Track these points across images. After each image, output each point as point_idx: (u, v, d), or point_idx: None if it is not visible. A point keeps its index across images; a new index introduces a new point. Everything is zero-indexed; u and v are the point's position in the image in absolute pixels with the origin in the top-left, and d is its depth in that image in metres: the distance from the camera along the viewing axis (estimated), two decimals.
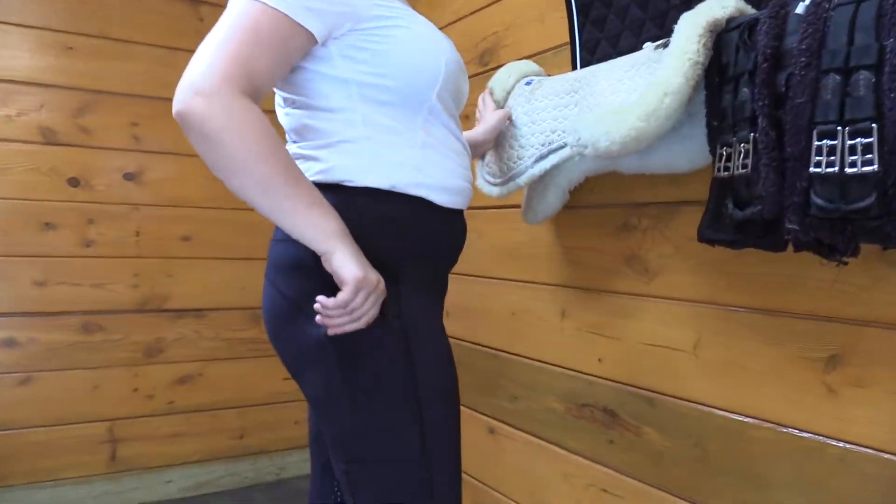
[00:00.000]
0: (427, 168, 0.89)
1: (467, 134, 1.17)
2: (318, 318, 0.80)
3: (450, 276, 1.05)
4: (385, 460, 0.86)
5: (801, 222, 0.82)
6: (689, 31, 0.94)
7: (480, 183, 1.35)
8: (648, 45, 1.08)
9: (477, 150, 1.29)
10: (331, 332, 0.81)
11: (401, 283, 0.87)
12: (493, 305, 1.61)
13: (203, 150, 0.76)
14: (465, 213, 1.01)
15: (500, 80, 1.35)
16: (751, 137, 0.87)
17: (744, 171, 0.88)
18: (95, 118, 1.98)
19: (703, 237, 1.00)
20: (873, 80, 0.75)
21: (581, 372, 1.36)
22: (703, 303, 1.13)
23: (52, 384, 1.93)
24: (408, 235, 0.89)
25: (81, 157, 1.97)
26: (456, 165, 0.94)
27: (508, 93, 1.34)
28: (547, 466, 1.45)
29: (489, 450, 1.64)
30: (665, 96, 0.94)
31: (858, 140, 0.75)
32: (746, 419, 1.05)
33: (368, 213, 0.86)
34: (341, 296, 0.78)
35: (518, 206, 1.50)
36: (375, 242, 0.84)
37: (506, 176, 1.29)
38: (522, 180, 1.26)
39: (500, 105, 1.34)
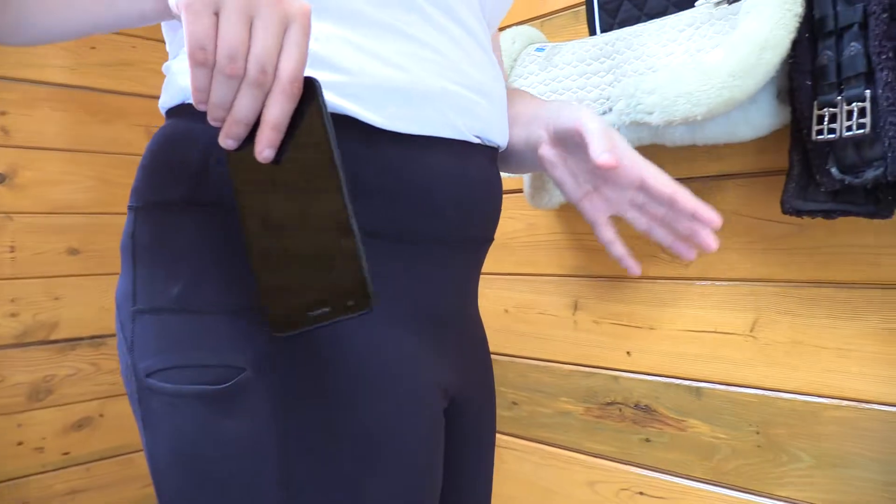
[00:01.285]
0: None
1: None
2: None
3: None
4: None
5: None
6: None
7: None
8: (704, 2, 0.99)
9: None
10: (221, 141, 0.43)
11: None
12: (483, 304, 1.46)
13: None
14: None
15: (503, 47, 1.21)
16: (867, 95, 0.81)
17: (859, 131, 0.81)
18: None
19: (789, 208, 0.92)
20: None
21: (603, 368, 1.26)
22: (759, 281, 1.06)
23: None
24: None
25: None
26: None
27: (515, 60, 1.20)
28: (564, 475, 1.32)
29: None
30: (763, 51, 0.85)
31: None
32: (820, 399, 1.00)
33: None
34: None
35: (510, 192, 1.36)
36: None
37: None
38: None
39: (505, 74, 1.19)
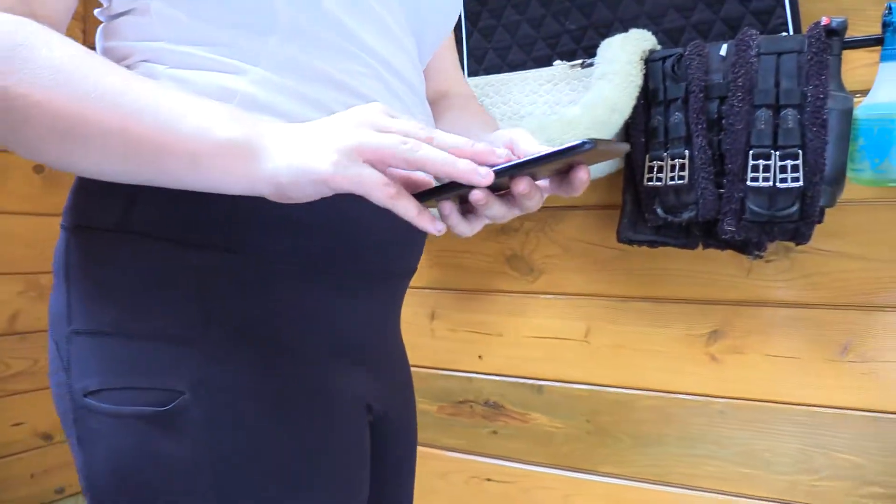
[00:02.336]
0: None
1: None
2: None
3: None
4: None
5: (736, 225, 1.01)
6: (629, 57, 1.06)
7: None
8: (561, 63, 1.18)
9: None
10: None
11: None
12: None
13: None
14: None
15: None
16: (686, 154, 1.04)
17: (680, 181, 1.05)
18: None
19: (623, 238, 1.14)
20: (798, 116, 0.97)
21: (457, 370, 1.41)
22: (591, 296, 1.28)
23: None
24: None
25: None
26: None
27: None
28: (419, 469, 1.45)
29: None
30: (613, 112, 1.05)
31: (788, 161, 0.97)
32: (637, 391, 1.24)
33: None
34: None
35: None
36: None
37: None
38: None
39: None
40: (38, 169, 1.91)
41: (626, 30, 1.13)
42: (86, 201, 0.55)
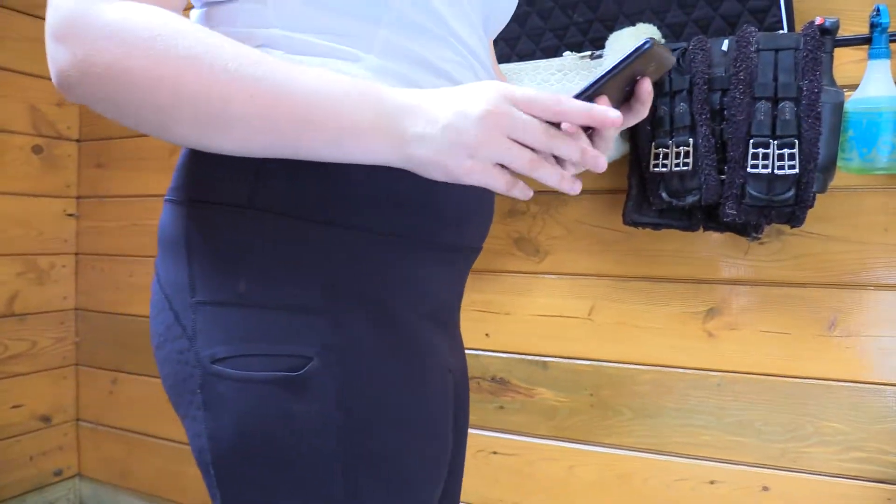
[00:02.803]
0: None
1: None
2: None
3: None
4: None
5: (737, 208, 1.09)
6: None
7: None
8: (571, 54, 1.24)
9: None
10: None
11: None
12: None
13: (117, 112, 0.49)
14: None
15: None
16: (690, 142, 1.12)
17: (684, 167, 1.12)
18: None
19: (629, 220, 1.22)
20: (795, 108, 1.05)
21: (465, 348, 1.46)
22: (595, 276, 1.35)
23: None
24: None
25: None
26: None
27: None
28: None
29: None
30: None
31: (785, 150, 1.05)
32: (637, 366, 1.32)
33: None
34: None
35: None
36: None
37: None
38: None
39: None
40: (37, 149, 1.92)
41: (631, 23, 1.20)
42: (208, 177, 0.58)
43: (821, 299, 1.19)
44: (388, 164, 0.52)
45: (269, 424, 0.54)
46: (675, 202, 1.15)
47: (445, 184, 0.54)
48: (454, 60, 0.61)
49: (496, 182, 0.52)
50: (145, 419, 1.90)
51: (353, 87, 0.50)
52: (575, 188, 0.54)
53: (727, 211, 1.10)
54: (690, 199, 1.13)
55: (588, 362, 1.36)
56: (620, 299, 1.33)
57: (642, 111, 0.58)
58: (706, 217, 1.18)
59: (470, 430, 1.45)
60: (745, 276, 1.24)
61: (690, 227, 1.19)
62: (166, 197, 0.61)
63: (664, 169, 1.14)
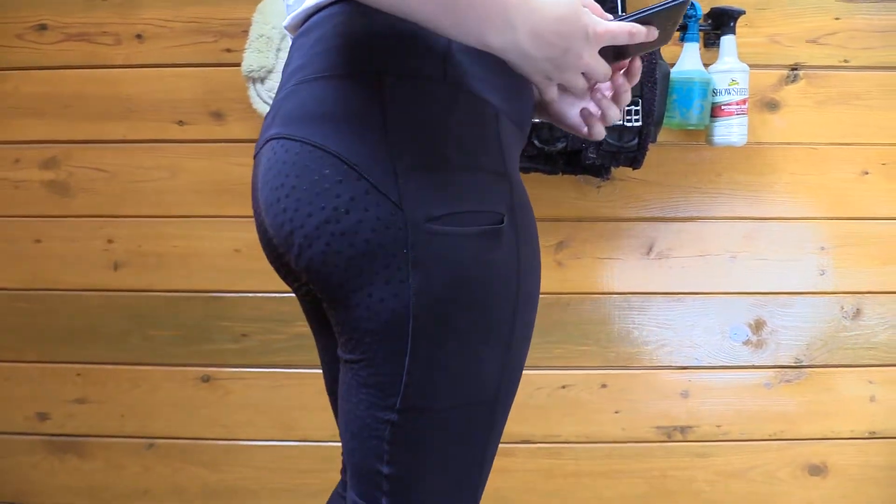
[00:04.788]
0: None
1: None
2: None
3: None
4: (457, 405, 0.65)
5: (597, 153, 1.34)
6: None
7: (263, 108, 1.33)
8: None
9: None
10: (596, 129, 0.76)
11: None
12: (207, 246, 1.51)
13: None
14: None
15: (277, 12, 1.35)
16: None
17: None
18: None
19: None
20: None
21: None
22: None
23: None
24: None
25: None
26: None
27: (281, 41, 1.35)
28: (300, 391, 1.53)
29: (208, 399, 1.53)
30: None
31: (632, 107, 1.33)
32: None
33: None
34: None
35: (238, 141, 1.48)
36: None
37: None
38: None
39: (271, 42, 1.34)
40: None
41: None
42: (401, 53, 0.62)
43: (641, 230, 1.51)
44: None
45: (478, 271, 0.61)
46: (546, 148, 1.36)
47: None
48: None
49: (576, 82, 0.67)
50: None
51: None
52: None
53: (589, 155, 1.34)
54: (559, 146, 1.35)
55: None
56: None
57: (628, 84, 0.75)
58: (565, 162, 1.41)
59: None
60: (586, 215, 1.51)
61: (553, 171, 1.42)
62: (321, 74, 0.63)
63: (536, 119, 1.35)
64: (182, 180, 1.50)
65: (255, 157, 0.72)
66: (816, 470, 1.54)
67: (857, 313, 1.51)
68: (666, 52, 1.41)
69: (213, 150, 1.50)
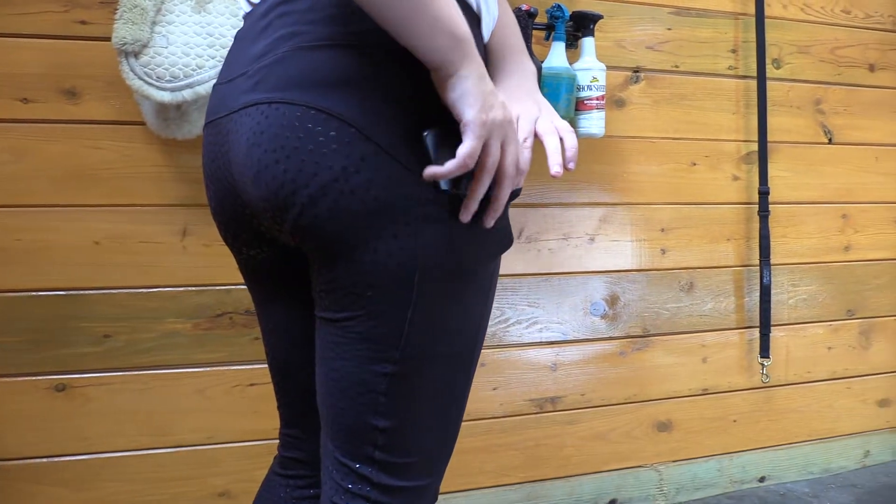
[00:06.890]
0: None
1: None
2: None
3: None
4: (450, 353, 0.68)
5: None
6: None
7: (139, 84, 1.22)
8: None
9: None
10: (463, 217, 0.63)
11: None
12: (60, 239, 1.35)
13: None
14: None
15: None
16: None
17: None
18: None
19: None
20: None
21: (214, 285, 1.43)
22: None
23: None
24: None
25: None
26: None
27: (156, 14, 1.25)
28: (171, 392, 1.41)
29: (64, 410, 1.36)
30: None
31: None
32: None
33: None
34: (465, 147, 0.58)
35: (96, 122, 1.36)
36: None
37: (181, 82, 1.24)
38: (203, 89, 1.26)
39: (146, 13, 1.24)
40: None
41: None
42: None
43: (513, 217, 1.61)
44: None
45: (478, 227, 0.65)
46: None
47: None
48: None
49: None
50: None
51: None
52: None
53: None
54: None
55: None
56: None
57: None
58: None
59: (222, 368, 1.44)
60: None
61: None
62: (322, 42, 0.62)
63: None
64: (28, 165, 1.33)
65: (211, 123, 0.69)
66: (663, 426, 1.75)
67: (691, 286, 1.75)
68: (535, 49, 1.53)
69: (66, 131, 1.34)
